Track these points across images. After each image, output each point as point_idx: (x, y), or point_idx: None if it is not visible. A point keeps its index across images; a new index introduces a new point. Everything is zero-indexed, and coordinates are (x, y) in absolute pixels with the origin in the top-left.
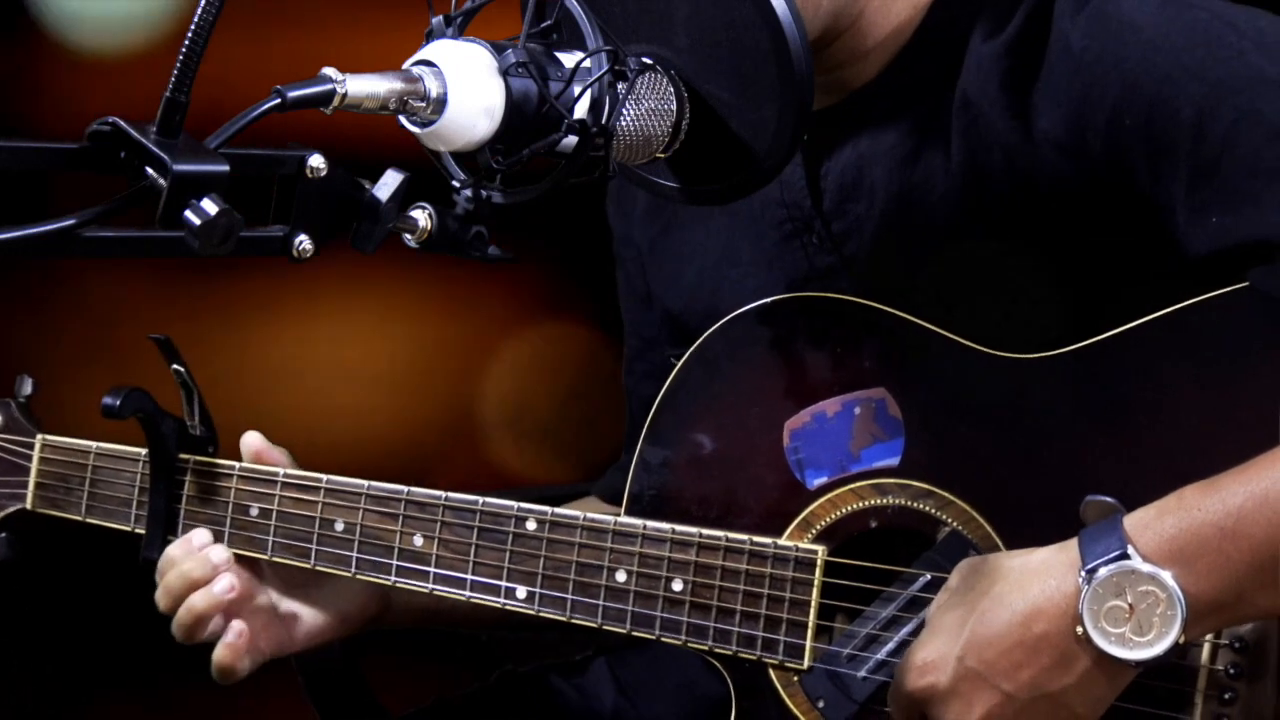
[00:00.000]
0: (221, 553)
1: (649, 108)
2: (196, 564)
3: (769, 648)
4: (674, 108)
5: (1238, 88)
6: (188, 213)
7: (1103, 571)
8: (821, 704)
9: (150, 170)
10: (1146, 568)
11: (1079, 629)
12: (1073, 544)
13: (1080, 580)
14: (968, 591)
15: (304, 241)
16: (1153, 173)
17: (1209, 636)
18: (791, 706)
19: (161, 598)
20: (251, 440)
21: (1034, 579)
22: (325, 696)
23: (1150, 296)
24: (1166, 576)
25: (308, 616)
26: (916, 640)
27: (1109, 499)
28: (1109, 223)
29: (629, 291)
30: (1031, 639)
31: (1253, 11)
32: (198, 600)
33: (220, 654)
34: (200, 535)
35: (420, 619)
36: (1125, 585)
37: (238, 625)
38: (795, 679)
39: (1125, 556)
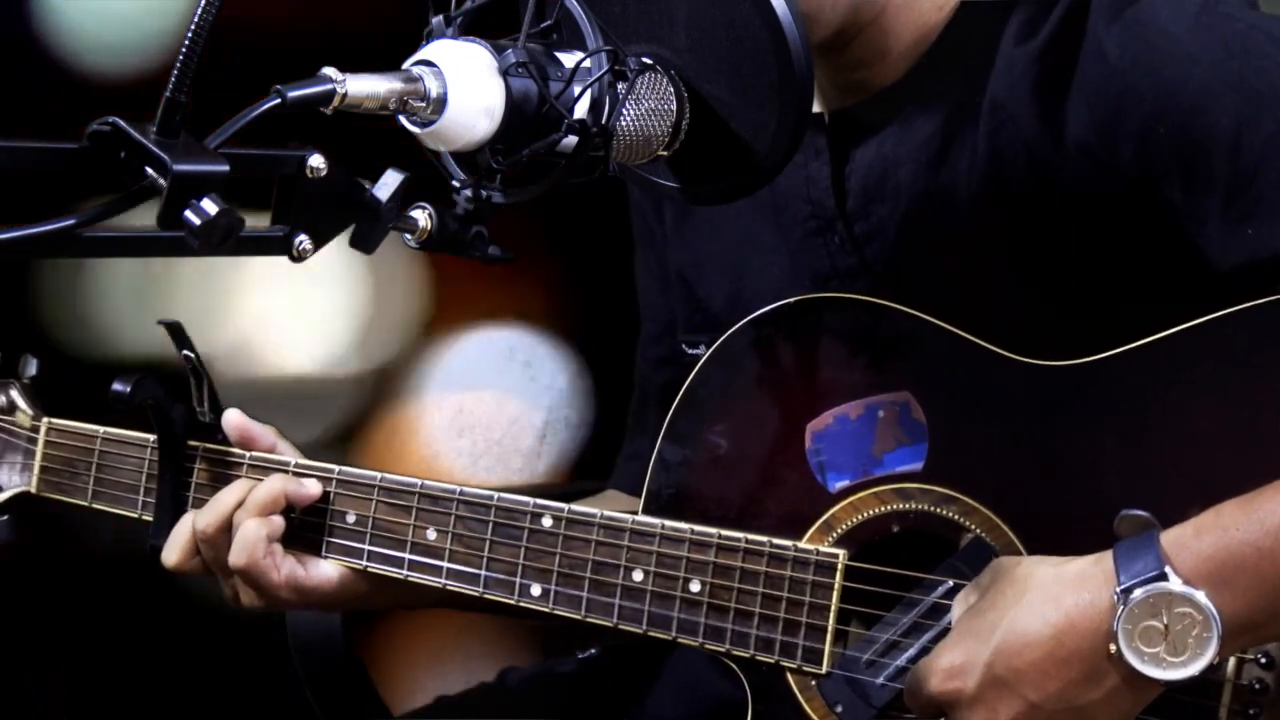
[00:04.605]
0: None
1: (649, 108)
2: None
3: (787, 651)
4: (674, 108)
5: (1276, 100)
6: (188, 213)
7: (1139, 592)
8: (839, 709)
9: (150, 170)
10: (1183, 590)
11: (1112, 647)
12: (1108, 557)
13: (1115, 598)
14: (999, 596)
15: (304, 241)
16: (1185, 183)
17: None
18: (809, 711)
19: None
20: (234, 419)
21: (1068, 591)
22: (326, 694)
23: (1174, 307)
24: (1203, 598)
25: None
26: (943, 642)
27: (1144, 513)
28: (1134, 232)
29: (648, 274)
30: (1063, 653)
31: None
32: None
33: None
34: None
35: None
36: (1161, 606)
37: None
38: (813, 684)
39: (1163, 577)
